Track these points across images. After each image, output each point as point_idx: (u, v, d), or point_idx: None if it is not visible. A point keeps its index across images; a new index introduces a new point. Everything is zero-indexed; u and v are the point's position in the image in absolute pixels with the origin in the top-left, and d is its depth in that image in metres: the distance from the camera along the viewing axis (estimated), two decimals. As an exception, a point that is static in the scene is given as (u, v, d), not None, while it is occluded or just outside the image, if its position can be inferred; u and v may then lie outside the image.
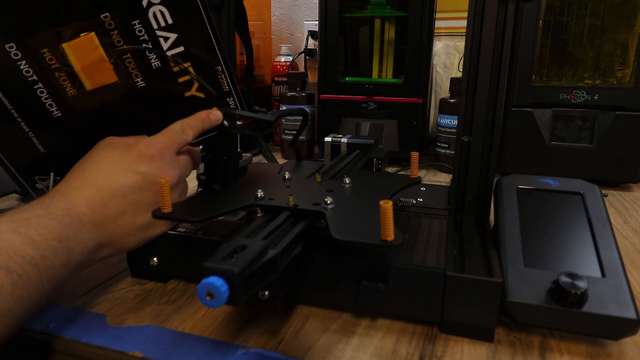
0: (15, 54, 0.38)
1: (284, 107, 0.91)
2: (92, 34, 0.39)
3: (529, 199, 0.40)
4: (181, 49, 0.42)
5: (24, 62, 0.39)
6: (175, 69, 0.43)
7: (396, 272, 0.34)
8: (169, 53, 0.42)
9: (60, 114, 0.42)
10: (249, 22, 0.54)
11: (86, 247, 0.34)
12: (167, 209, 0.35)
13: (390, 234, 0.28)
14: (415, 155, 0.45)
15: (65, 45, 0.39)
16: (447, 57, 1.05)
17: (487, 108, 0.41)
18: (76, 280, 0.41)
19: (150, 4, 0.39)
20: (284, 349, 0.32)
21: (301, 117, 0.62)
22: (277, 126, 0.98)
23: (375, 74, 0.91)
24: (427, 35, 0.82)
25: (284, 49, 1.08)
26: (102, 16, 0.39)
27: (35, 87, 0.40)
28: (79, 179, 0.36)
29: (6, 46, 0.38)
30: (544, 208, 0.39)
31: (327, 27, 0.87)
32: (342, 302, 0.36)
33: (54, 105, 0.41)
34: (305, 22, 1.16)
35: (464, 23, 0.41)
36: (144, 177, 0.37)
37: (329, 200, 0.36)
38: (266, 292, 0.28)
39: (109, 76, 0.41)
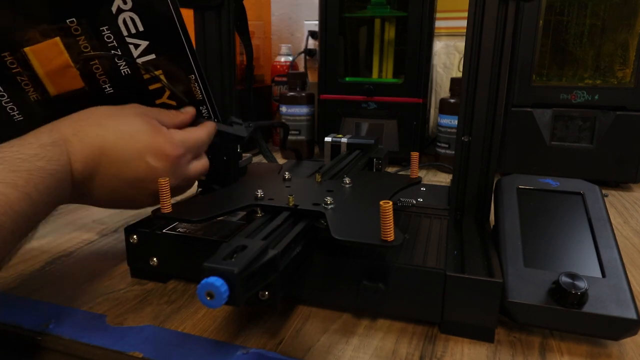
0: None
1: (283, 107, 0.92)
2: (57, 38, 0.38)
3: (529, 199, 0.40)
4: (152, 56, 0.41)
5: None
6: (146, 76, 0.41)
7: (396, 272, 0.34)
8: (140, 60, 0.40)
9: (21, 118, 0.40)
10: (249, 22, 0.54)
11: (65, 200, 0.35)
12: (167, 209, 0.35)
13: (390, 234, 0.29)
14: (415, 155, 0.46)
15: (27, 50, 0.38)
16: (447, 57, 1.05)
17: (487, 108, 0.41)
18: (76, 281, 0.41)
19: (120, 10, 0.38)
20: (284, 349, 0.32)
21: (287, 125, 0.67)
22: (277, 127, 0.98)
23: (375, 74, 0.91)
24: (427, 35, 0.82)
25: (284, 49, 1.08)
26: (68, 21, 0.38)
27: None
28: (92, 133, 0.36)
29: None
30: (544, 208, 0.39)
31: (327, 27, 0.87)
32: (342, 302, 0.36)
33: (15, 109, 0.40)
34: (305, 22, 1.16)
35: (464, 23, 0.41)
36: (150, 171, 0.37)
37: (329, 200, 0.36)
38: (266, 292, 0.28)
39: (75, 82, 0.40)
